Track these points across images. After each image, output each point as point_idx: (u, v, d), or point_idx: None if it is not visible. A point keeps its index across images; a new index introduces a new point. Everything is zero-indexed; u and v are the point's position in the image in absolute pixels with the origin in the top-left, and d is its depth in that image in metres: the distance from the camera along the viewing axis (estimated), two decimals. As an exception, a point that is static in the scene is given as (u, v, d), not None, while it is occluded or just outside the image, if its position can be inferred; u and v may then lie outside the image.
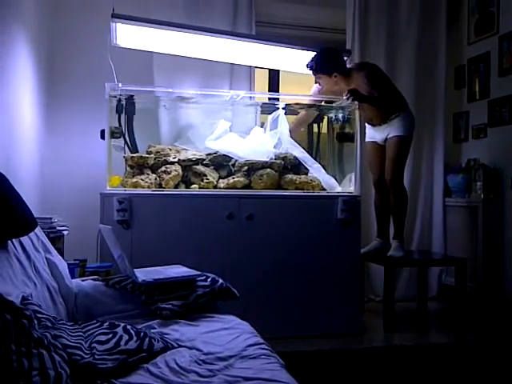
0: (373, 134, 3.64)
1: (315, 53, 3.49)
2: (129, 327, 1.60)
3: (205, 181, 3.21)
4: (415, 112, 4.19)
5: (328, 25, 4.39)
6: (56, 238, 2.72)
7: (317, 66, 3.45)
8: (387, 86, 3.51)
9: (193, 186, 3.23)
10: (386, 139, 3.56)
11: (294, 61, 3.60)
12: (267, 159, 3.32)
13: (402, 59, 4.32)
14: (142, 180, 3.10)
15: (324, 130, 3.81)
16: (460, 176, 4.27)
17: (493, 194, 4.04)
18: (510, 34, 3.96)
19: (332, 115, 3.74)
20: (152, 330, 1.75)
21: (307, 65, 3.49)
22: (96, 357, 1.40)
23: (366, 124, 3.70)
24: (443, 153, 4.37)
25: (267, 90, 4.40)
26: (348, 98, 3.32)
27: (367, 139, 3.70)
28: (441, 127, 4.38)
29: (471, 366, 2.75)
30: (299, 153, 3.45)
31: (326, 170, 3.53)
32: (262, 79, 4.36)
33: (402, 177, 3.57)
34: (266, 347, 1.66)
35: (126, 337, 1.54)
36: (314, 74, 3.50)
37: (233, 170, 3.36)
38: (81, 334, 1.52)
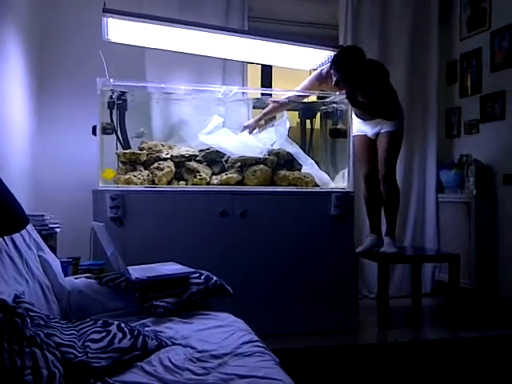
0: (363, 127, 3.58)
1: (346, 55, 3.21)
2: (122, 325, 1.59)
3: (198, 177, 3.19)
4: (407, 108, 4.21)
5: (321, 20, 4.38)
6: (48, 236, 2.69)
7: (346, 75, 3.19)
8: (388, 90, 3.41)
9: (181, 182, 3.21)
10: (377, 133, 3.53)
11: (287, 56, 3.57)
12: (260, 155, 3.31)
13: (395, 55, 4.32)
14: (134, 176, 3.08)
15: (317, 125, 3.81)
16: (452, 172, 4.28)
17: (485, 189, 4.05)
18: (501, 30, 3.97)
19: (324, 110, 3.73)
20: (146, 328, 1.74)
21: (334, 67, 3.20)
22: (89, 355, 1.39)
23: (355, 117, 3.59)
24: (436, 149, 4.39)
25: (260, 85, 4.39)
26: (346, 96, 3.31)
27: (356, 132, 3.61)
28: (433, 123, 4.40)
29: (465, 362, 2.76)
30: (293, 149, 3.45)
31: (319, 166, 3.53)
32: (254, 75, 4.34)
33: (395, 171, 3.56)
34: (261, 345, 1.65)
35: (119, 335, 1.53)
36: (339, 78, 3.21)
37: (226, 166, 3.34)
38: (74, 332, 1.51)
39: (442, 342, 3.07)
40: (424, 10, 4.38)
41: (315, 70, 3.63)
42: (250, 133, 3.53)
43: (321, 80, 3.47)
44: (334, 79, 3.26)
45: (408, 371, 2.62)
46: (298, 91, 3.56)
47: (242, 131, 3.53)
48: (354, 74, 3.23)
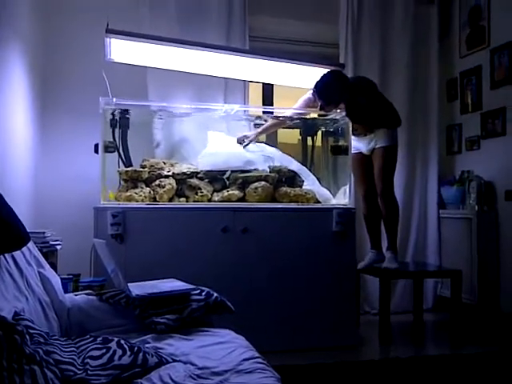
0: (358, 144, 3.61)
1: (324, 82, 3.33)
2: (122, 342, 1.59)
3: (199, 194, 3.20)
4: (409, 125, 4.24)
5: (321, 39, 4.42)
6: (49, 253, 2.69)
7: (329, 101, 3.35)
8: (381, 99, 3.51)
9: (182, 199, 3.22)
10: (372, 149, 3.55)
11: (288, 75, 3.61)
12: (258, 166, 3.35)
13: (395, 73, 4.36)
14: (136, 194, 3.09)
15: (318, 142, 3.83)
16: (454, 188, 4.29)
17: (487, 205, 4.05)
18: (501, 48, 4.00)
19: (325, 127, 3.76)
20: (146, 345, 1.74)
21: (317, 95, 3.34)
22: (89, 372, 1.39)
23: (352, 135, 3.60)
24: (437, 165, 4.40)
25: (261, 103, 4.42)
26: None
27: (352, 150, 3.62)
28: (434, 140, 4.41)
29: (468, 378, 2.74)
30: (294, 165, 3.47)
31: (320, 182, 3.54)
32: (255, 93, 4.38)
33: (393, 186, 3.57)
34: (262, 361, 1.64)
35: (119, 352, 1.52)
36: (323, 104, 3.37)
37: (227, 183, 3.36)
38: (74, 349, 1.51)
39: (444, 358, 3.04)
40: (423, 28, 4.43)
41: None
42: (244, 146, 3.53)
43: (310, 104, 3.53)
44: (319, 104, 3.38)
45: (410, 388, 2.61)
46: (296, 109, 3.60)
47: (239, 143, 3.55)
48: (337, 98, 3.35)
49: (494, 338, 3.54)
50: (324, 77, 3.35)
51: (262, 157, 3.51)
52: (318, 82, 3.35)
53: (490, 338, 3.52)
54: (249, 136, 3.58)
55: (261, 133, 3.65)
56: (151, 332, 1.90)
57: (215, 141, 3.51)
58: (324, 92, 3.34)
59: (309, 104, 3.54)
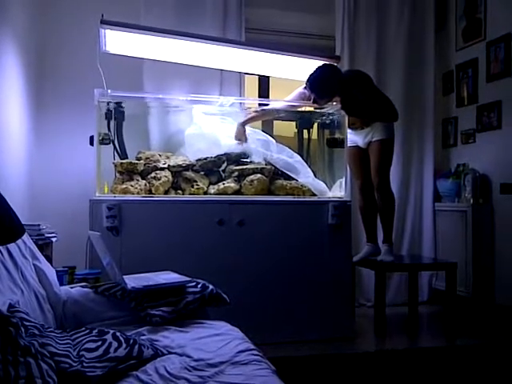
0: (355, 138, 3.62)
1: (317, 76, 3.31)
2: (118, 334, 1.59)
3: (195, 187, 3.19)
4: (405, 118, 4.24)
5: (317, 31, 4.41)
6: (44, 245, 2.69)
7: (322, 95, 3.35)
8: (377, 93, 3.50)
9: (178, 191, 3.21)
10: (368, 143, 3.55)
11: (284, 67, 3.59)
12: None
13: (391, 65, 4.35)
14: (131, 186, 3.08)
15: (314, 135, 3.82)
16: (449, 181, 4.30)
17: (482, 198, 4.06)
18: (497, 40, 3.99)
19: (321, 120, 3.75)
20: (141, 337, 1.74)
21: (310, 89, 3.33)
22: (84, 364, 1.38)
23: (348, 129, 3.59)
24: (433, 158, 4.41)
25: (257, 95, 4.41)
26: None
27: (349, 144, 3.60)
28: (430, 133, 4.42)
29: (462, 369, 2.75)
30: (289, 158, 3.46)
31: (316, 175, 3.54)
32: (252, 85, 4.36)
33: (389, 179, 3.58)
34: (257, 353, 1.65)
35: (115, 344, 1.52)
36: (315, 97, 3.35)
37: (223, 175, 3.35)
38: (69, 341, 1.50)
39: (438, 350, 3.06)
40: (420, 21, 4.42)
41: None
42: (243, 143, 3.46)
43: (304, 98, 3.52)
44: (312, 98, 3.37)
45: (405, 379, 2.61)
46: (289, 101, 3.58)
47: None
48: (329, 92, 3.35)
49: (488, 330, 3.56)
50: (316, 71, 3.34)
51: (259, 141, 3.49)
52: (310, 75, 3.34)
53: (485, 331, 3.54)
54: (239, 137, 3.46)
55: (246, 121, 3.52)
56: (147, 324, 1.90)
57: (200, 119, 3.48)
58: (316, 86, 3.33)
59: (302, 98, 3.52)
